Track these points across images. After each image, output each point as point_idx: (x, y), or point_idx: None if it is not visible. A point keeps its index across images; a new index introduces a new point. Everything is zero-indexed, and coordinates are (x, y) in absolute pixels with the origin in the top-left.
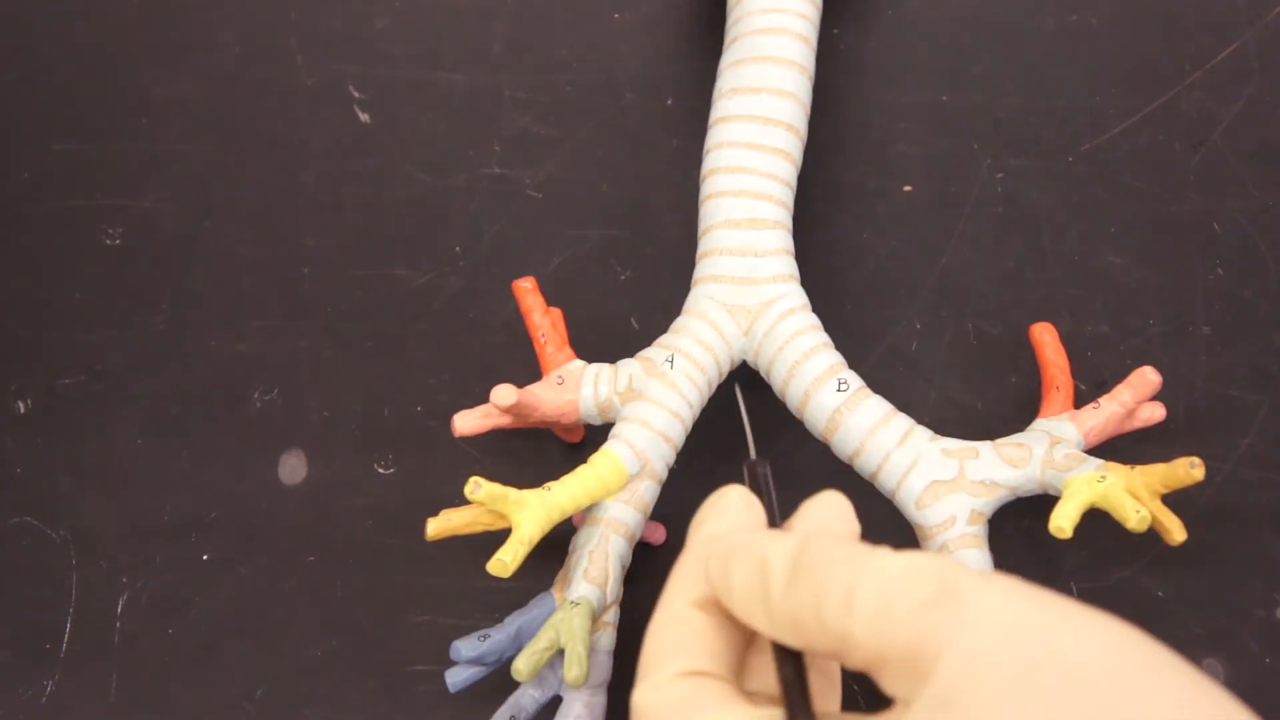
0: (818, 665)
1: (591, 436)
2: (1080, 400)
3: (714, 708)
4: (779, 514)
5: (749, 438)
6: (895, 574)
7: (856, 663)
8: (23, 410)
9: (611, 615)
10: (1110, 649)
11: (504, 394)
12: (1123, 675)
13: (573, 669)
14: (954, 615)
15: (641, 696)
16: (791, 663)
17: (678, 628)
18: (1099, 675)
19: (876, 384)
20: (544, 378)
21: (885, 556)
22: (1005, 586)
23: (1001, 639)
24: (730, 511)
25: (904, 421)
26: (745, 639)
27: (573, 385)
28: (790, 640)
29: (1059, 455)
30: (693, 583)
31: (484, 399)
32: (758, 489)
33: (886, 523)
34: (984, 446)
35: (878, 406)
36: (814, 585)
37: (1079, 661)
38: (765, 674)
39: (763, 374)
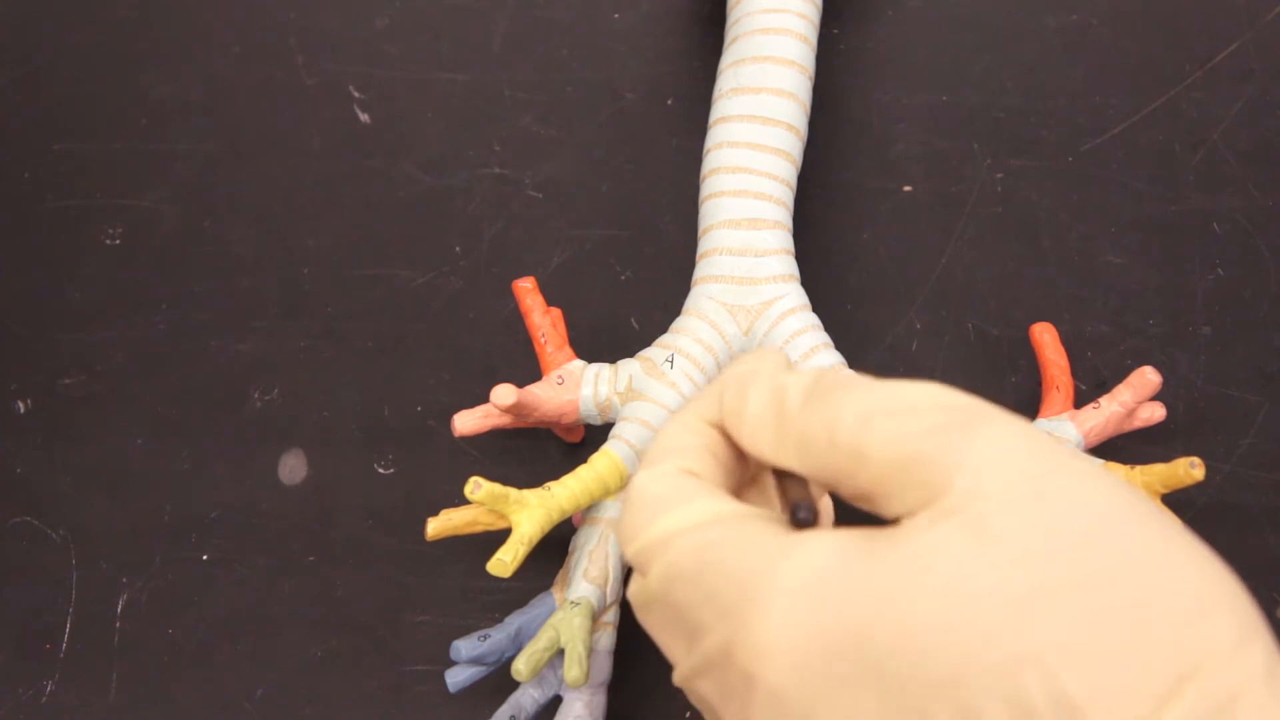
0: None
1: (591, 436)
2: (1080, 400)
3: (709, 496)
4: None
5: None
6: (915, 395)
7: (861, 484)
8: (23, 410)
9: (611, 615)
10: (1113, 494)
11: (504, 394)
12: (1122, 519)
13: (573, 669)
14: (971, 438)
15: (641, 479)
16: (796, 484)
17: (688, 435)
18: (1101, 514)
19: None
20: (544, 378)
21: (906, 383)
22: (1023, 423)
23: (1014, 465)
24: (766, 360)
25: None
26: (744, 475)
27: (573, 385)
28: (793, 462)
29: None
30: (711, 406)
31: (484, 399)
32: None
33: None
34: None
35: None
36: (832, 402)
37: (1084, 497)
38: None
39: None
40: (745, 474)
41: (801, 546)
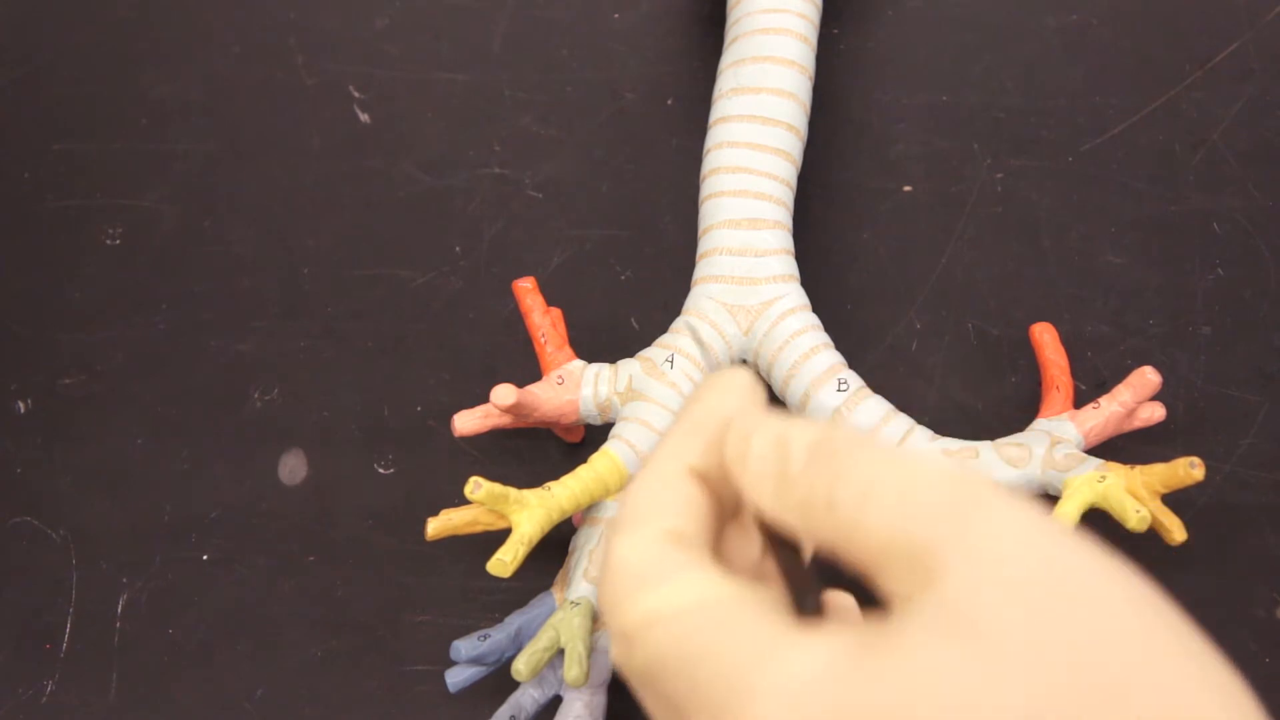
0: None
1: (591, 436)
2: (1080, 400)
3: (695, 570)
4: None
5: None
6: (920, 473)
7: (856, 554)
8: (23, 410)
9: None
10: (1116, 587)
11: (504, 394)
12: (1126, 617)
13: (573, 669)
14: (971, 526)
15: (622, 549)
16: (787, 549)
17: (667, 489)
18: (1106, 614)
19: (876, 384)
20: (544, 378)
21: (913, 456)
22: (1026, 508)
23: (1015, 557)
24: (735, 392)
25: (904, 421)
26: (725, 519)
27: (573, 385)
28: (792, 521)
29: (1059, 455)
30: (687, 451)
31: (484, 399)
32: None
33: None
34: (984, 446)
35: (878, 406)
36: (834, 467)
37: (1087, 593)
38: (737, 556)
39: (763, 374)
40: (724, 516)
41: (794, 650)
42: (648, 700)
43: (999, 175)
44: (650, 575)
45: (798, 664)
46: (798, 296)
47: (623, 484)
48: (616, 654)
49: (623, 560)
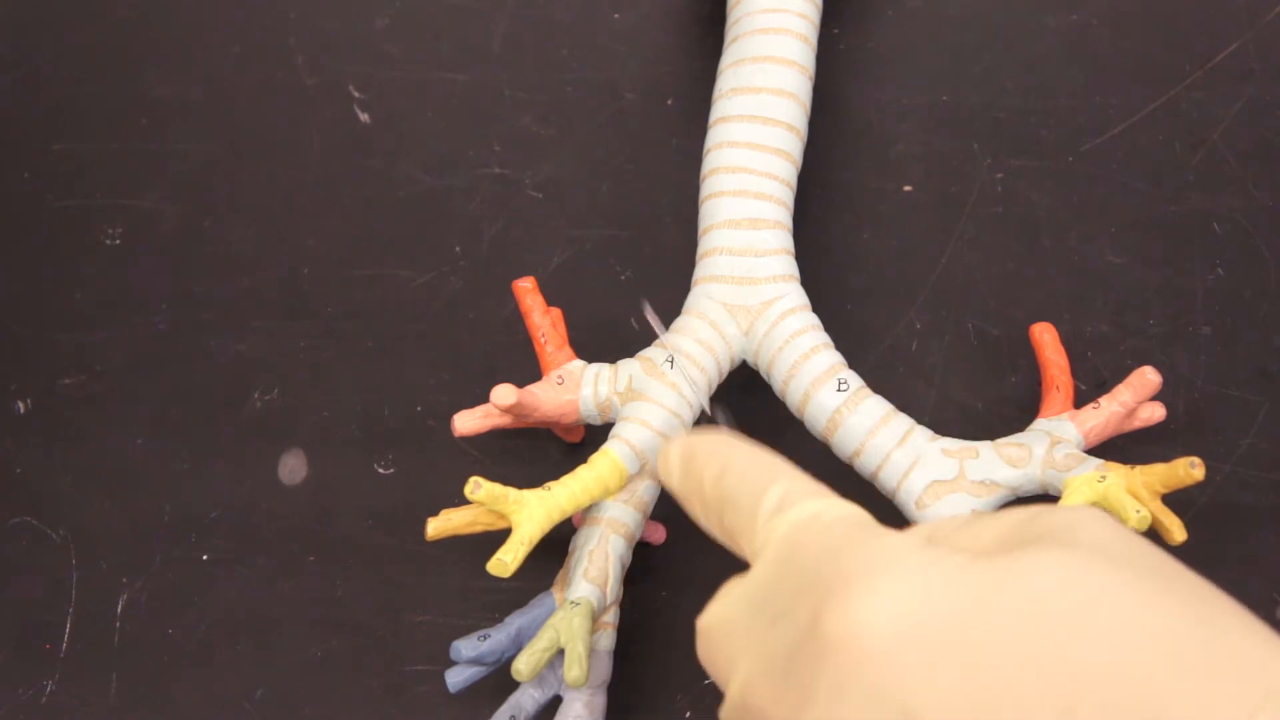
0: None
1: (591, 436)
2: (1080, 400)
3: (833, 497)
4: None
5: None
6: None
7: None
8: (23, 410)
9: (611, 615)
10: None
11: (504, 394)
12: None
13: (573, 669)
14: (851, 568)
15: (787, 481)
16: None
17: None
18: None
19: (876, 384)
20: (544, 378)
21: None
22: (912, 560)
23: (899, 608)
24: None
25: (904, 421)
26: None
27: (573, 385)
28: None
29: (1059, 455)
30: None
31: (484, 399)
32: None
33: (887, 522)
34: (984, 446)
35: (878, 406)
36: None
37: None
38: None
39: (763, 374)
40: None
41: (901, 536)
42: (781, 573)
43: (999, 175)
44: (815, 491)
45: (905, 541)
46: (798, 296)
47: (623, 484)
48: (771, 535)
49: (793, 479)
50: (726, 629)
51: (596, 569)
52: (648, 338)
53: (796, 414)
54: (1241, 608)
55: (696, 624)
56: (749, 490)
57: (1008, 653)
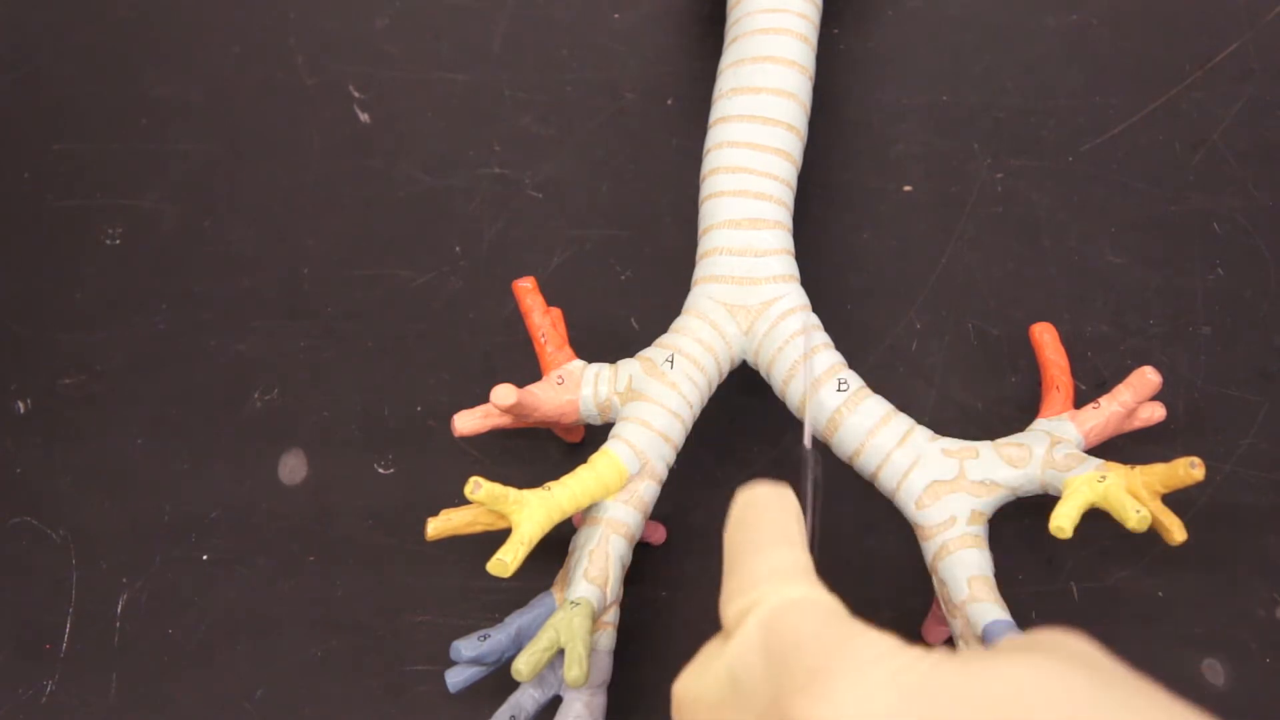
0: None
1: (591, 436)
2: (1080, 400)
3: (813, 581)
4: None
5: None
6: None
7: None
8: (23, 410)
9: (611, 615)
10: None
11: (504, 394)
12: None
13: (573, 669)
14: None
15: (775, 558)
16: None
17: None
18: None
19: (876, 384)
20: (544, 378)
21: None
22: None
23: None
24: (764, 523)
25: (904, 421)
26: None
27: (573, 385)
28: None
29: (1059, 455)
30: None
31: (484, 399)
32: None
33: (887, 522)
34: (984, 446)
35: (878, 406)
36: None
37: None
38: None
39: (763, 374)
40: None
41: (867, 635)
42: (754, 656)
43: (999, 175)
44: (802, 573)
45: (880, 641)
46: (798, 296)
47: (623, 484)
48: (750, 626)
49: (779, 559)
50: (698, 704)
51: (596, 569)
52: (647, 338)
53: (796, 414)
54: None
55: (672, 688)
56: (746, 552)
57: None
